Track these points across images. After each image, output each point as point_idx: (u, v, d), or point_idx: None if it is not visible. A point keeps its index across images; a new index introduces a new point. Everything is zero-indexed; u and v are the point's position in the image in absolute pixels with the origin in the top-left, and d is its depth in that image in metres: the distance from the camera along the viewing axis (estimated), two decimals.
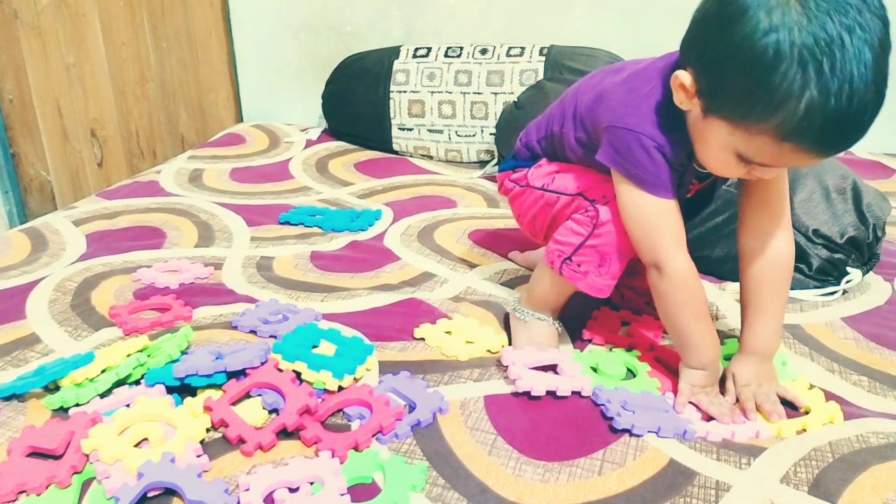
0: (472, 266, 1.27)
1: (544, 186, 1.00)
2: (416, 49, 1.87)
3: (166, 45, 2.32)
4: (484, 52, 1.82)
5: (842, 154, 1.74)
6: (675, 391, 0.92)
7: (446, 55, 1.84)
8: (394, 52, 1.88)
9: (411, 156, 1.88)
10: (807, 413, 0.89)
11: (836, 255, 1.15)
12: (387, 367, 0.95)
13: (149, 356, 0.92)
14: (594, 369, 0.96)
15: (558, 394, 0.90)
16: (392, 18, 1.97)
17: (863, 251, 1.17)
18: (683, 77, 0.77)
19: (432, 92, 1.81)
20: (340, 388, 0.88)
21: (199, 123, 2.40)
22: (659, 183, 0.85)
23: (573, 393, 0.90)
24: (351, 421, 0.85)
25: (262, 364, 0.88)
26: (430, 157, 1.86)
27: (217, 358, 0.91)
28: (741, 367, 0.92)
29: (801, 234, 1.15)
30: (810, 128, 0.69)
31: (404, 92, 1.83)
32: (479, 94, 1.78)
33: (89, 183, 2.53)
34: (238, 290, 1.18)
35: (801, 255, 1.15)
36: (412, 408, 0.87)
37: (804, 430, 0.86)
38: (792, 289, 1.13)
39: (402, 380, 0.91)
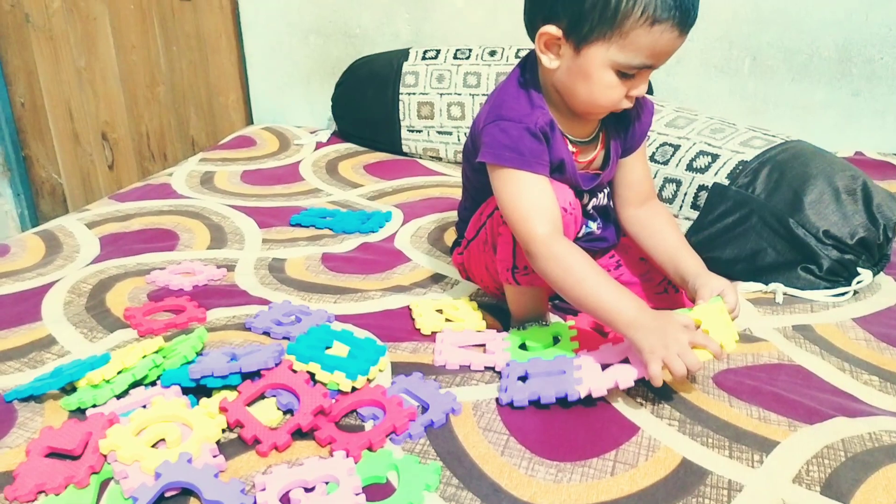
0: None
1: (476, 229, 1.06)
2: (426, 51, 1.88)
3: (177, 49, 2.33)
4: (493, 53, 1.82)
5: (851, 154, 1.75)
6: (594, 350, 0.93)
7: (455, 57, 1.84)
8: (403, 54, 1.89)
9: (420, 157, 1.88)
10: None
11: (847, 256, 1.15)
12: (399, 369, 0.96)
13: (164, 357, 0.92)
14: (524, 345, 0.99)
15: (472, 368, 0.96)
16: (400, 21, 1.98)
17: (873, 252, 1.17)
18: (548, 29, 0.89)
19: (441, 94, 1.82)
20: (354, 389, 0.88)
21: (209, 126, 2.42)
22: (527, 155, 0.91)
23: (486, 368, 0.96)
24: (364, 421, 0.86)
25: (277, 365, 0.89)
26: (440, 159, 1.87)
27: (232, 359, 0.92)
28: (709, 282, 0.94)
29: (812, 235, 1.15)
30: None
31: (413, 94, 1.84)
32: (486, 94, 1.78)
33: (100, 186, 2.55)
34: (251, 291, 1.18)
35: (811, 256, 1.15)
36: (425, 408, 0.88)
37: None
38: (802, 289, 1.15)
39: (415, 381, 0.92)
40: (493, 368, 0.97)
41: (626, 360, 0.91)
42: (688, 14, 0.85)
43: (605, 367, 0.90)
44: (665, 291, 1.08)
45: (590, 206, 1.05)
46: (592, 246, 1.07)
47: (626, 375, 0.87)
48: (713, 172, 1.26)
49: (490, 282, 1.11)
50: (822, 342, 1.05)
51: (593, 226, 1.07)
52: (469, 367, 0.97)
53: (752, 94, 1.83)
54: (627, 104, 0.93)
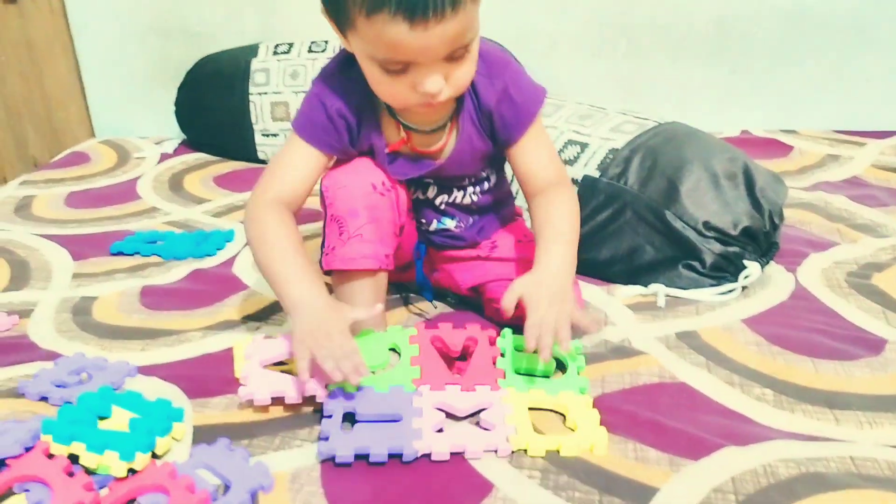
0: (332, 291, 1.10)
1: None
2: (277, 45, 1.69)
3: (4, 59, 2.06)
4: None
5: (737, 134, 1.66)
6: (438, 377, 0.82)
7: (310, 51, 1.66)
8: (251, 50, 1.69)
9: None
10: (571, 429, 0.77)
11: (731, 249, 1.03)
12: (204, 434, 0.78)
13: None
14: None
15: (286, 401, 0.79)
16: (247, 14, 1.78)
17: (760, 241, 1.05)
18: (324, 14, 0.78)
19: (297, 92, 1.63)
20: (133, 472, 0.69)
21: (50, 143, 2.15)
22: (307, 126, 0.86)
23: (305, 398, 0.79)
24: None
25: (28, 450, 0.69)
26: None
27: None
28: (528, 284, 0.81)
29: (692, 228, 1.02)
30: None
31: (265, 94, 1.64)
32: None
33: None
34: (41, 343, 0.97)
35: (692, 252, 1.03)
36: (228, 487, 0.70)
37: (556, 452, 0.74)
38: (685, 288, 1.03)
39: (219, 451, 0.73)
40: (314, 399, 0.79)
41: (478, 412, 0.77)
42: (414, 3, 0.68)
43: (451, 415, 0.75)
44: None
45: (439, 202, 0.94)
46: (447, 242, 0.99)
47: (478, 443, 0.73)
48: (583, 164, 1.12)
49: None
50: (708, 351, 0.92)
51: (450, 223, 0.96)
52: (283, 399, 0.79)
53: (629, 77, 1.72)
54: (424, 100, 0.77)
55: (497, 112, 0.87)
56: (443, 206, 0.95)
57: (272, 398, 0.80)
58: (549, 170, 0.90)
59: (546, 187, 0.90)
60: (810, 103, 1.69)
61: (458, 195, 0.94)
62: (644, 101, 1.67)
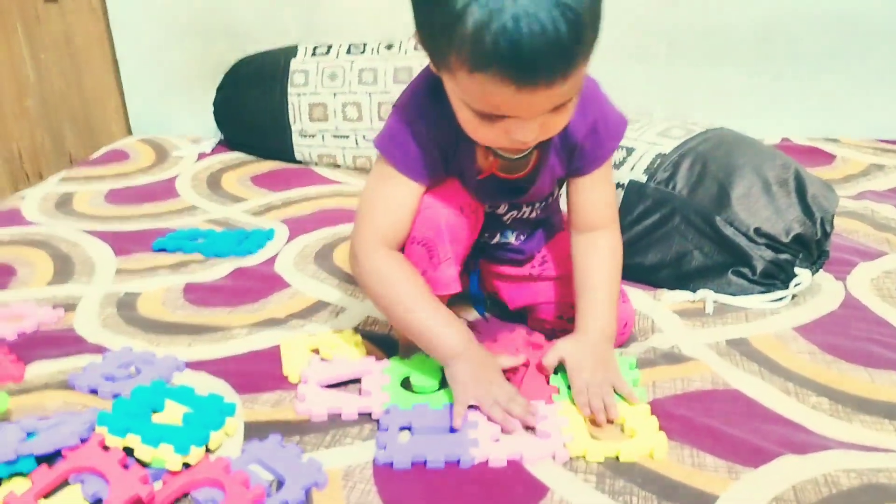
0: None
1: None
2: (315, 47, 1.69)
3: (45, 57, 2.08)
4: (390, 47, 1.65)
5: (777, 141, 1.64)
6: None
7: (348, 52, 1.66)
8: (290, 51, 1.70)
9: (316, 164, 1.69)
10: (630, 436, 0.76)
11: (782, 256, 1.01)
12: (255, 430, 0.77)
13: None
14: (406, 380, 0.84)
15: (343, 417, 0.79)
16: (287, 15, 1.79)
17: (811, 249, 1.03)
18: (416, 40, 0.72)
19: (335, 93, 1.63)
20: (186, 466, 0.69)
21: (87, 140, 2.17)
22: (406, 159, 0.79)
23: (361, 415, 0.79)
24: None
25: (84, 441, 0.69)
26: (337, 166, 1.68)
27: (28, 435, 0.71)
28: (572, 349, 0.81)
29: (742, 234, 1.01)
30: (485, 49, 0.62)
31: (304, 94, 1.64)
32: (386, 93, 1.60)
33: None
34: (89, 337, 0.98)
35: (743, 258, 1.01)
36: (281, 483, 0.69)
37: (616, 458, 0.73)
38: (735, 295, 1.01)
39: (271, 447, 0.73)
40: (369, 415, 0.79)
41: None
42: (526, 67, 0.62)
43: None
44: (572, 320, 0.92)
45: (507, 217, 0.91)
46: (507, 255, 0.95)
47: (535, 450, 0.72)
48: (629, 167, 1.11)
49: None
50: (760, 358, 0.90)
51: (511, 237, 0.94)
52: (340, 415, 0.79)
53: (670, 83, 1.70)
54: (514, 145, 0.73)
55: (581, 145, 0.83)
56: (509, 221, 0.92)
57: (329, 414, 0.80)
58: (603, 212, 0.87)
59: (594, 228, 0.87)
60: (854, 111, 1.66)
61: (526, 210, 0.91)
62: (684, 108, 1.66)
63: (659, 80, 1.70)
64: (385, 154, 0.81)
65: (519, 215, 0.90)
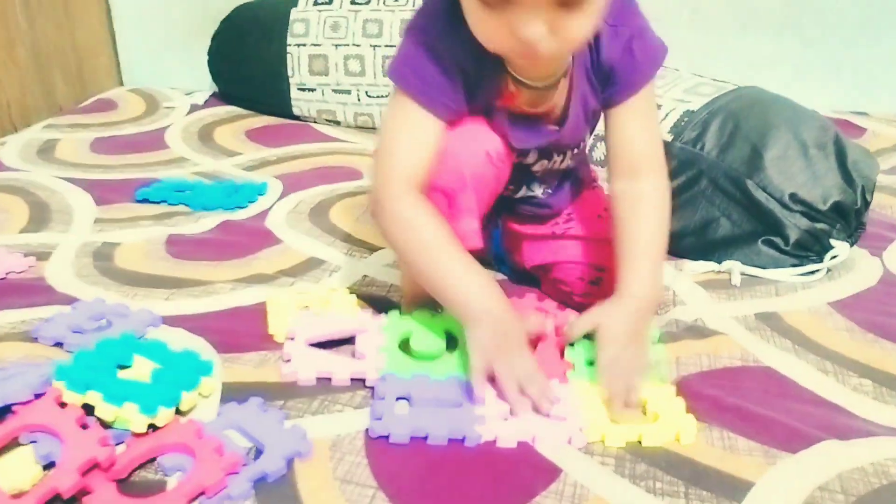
0: (372, 250, 1.01)
1: None
2: None
3: (37, 5, 1.99)
4: None
5: None
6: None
7: (353, 2, 1.56)
8: None
9: (315, 121, 1.60)
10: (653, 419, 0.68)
11: (818, 225, 0.93)
12: (235, 392, 0.69)
13: None
14: (406, 342, 0.75)
15: (333, 382, 0.71)
16: None
17: (850, 219, 0.95)
18: None
19: (336, 45, 1.53)
20: (153, 428, 0.61)
21: (78, 92, 2.07)
22: (423, 86, 0.70)
23: (354, 380, 0.71)
24: (168, 476, 0.59)
25: (38, 397, 0.61)
26: (337, 123, 1.59)
27: None
28: (611, 317, 0.71)
29: (776, 200, 0.92)
30: None
31: (304, 45, 1.55)
32: (391, 46, 1.51)
33: None
34: (59, 287, 0.90)
35: (775, 226, 0.93)
36: (260, 452, 0.61)
37: (638, 443, 0.65)
38: (765, 267, 0.93)
39: (250, 411, 0.65)
40: (363, 381, 0.71)
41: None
42: None
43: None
44: (599, 280, 0.83)
45: (536, 167, 0.81)
46: (532, 211, 0.87)
47: (549, 433, 0.64)
48: None
49: None
50: (793, 334, 0.82)
51: (538, 190, 0.84)
52: (330, 379, 0.71)
53: (692, 48, 1.60)
54: (523, 49, 0.63)
55: (615, 68, 0.73)
56: (538, 172, 0.83)
57: (318, 378, 0.72)
58: (645, 152, 0.77)
59: (638, 171, 0.76)
60: (885, 85, 1.57)
61: (557, 160, 0.81)
62: (706, 73, 1.56)
63: (680, 45, 1.59)
64: (400, 83, 0.71)
65: (550, 164, 0.81)
